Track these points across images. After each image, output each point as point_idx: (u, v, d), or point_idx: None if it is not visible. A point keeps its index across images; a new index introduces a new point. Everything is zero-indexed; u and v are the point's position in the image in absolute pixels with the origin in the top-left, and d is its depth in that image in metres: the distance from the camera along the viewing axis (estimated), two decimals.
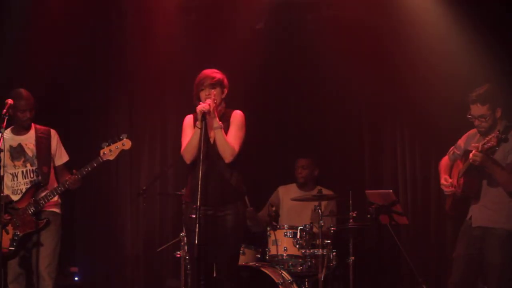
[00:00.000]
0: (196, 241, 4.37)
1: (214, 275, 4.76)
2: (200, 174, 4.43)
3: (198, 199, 4.38)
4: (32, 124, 5.47)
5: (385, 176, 6.98)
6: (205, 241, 4.49)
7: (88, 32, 7.07)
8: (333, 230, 6.08)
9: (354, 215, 5.96)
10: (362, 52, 6.80)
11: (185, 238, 5.84)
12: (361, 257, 6.12)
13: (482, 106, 4.87)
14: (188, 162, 4.71)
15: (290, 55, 7.22)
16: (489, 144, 4.66)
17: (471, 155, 4.76)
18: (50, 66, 6.79)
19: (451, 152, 5.28)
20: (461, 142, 5.21)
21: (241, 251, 5.80)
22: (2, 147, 4.89)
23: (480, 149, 4.70)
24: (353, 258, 5.95)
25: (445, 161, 5.31)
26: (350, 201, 5.96)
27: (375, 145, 7.06)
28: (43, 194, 5.32)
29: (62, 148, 5.58)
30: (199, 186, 4.39)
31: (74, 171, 5.32)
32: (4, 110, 4.94)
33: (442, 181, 5.15)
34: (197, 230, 4.37)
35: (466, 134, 5.19)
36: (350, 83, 6.95)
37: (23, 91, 5.38)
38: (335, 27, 6.88)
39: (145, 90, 7.28)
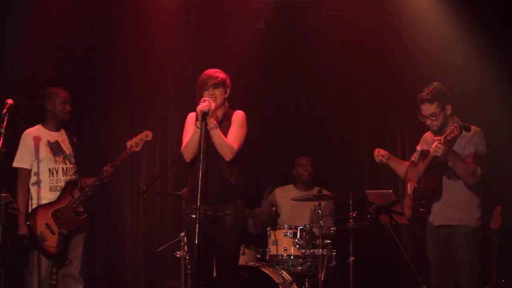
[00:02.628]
0: (196, 241, 4.38)
1: (214, 275, 4.76)
2: (200, 174, 4.44)
3: (198, 199, 4.39)
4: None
5: (385, 176, 6.98)
6: (205, 241, 4.50)
7: (88, 32, 7.06)
8: (333, 230, 6.08)
9: (354, 215, 5.96)
10: (362, 51, 6.81)
11: (185, 238, 5.84)
12: (361, 257, 6.12)
13: (431, 104, 4.98)
14: (187, 160, 4.73)
15: (290, 55, 7.22)
16: (452, 135, 4.67)
17: (432, 147, 4.78)
18: (50, 66, 6.78)
19: (412, 158, 5.38)
20: (418, 147, 5.33)
21: (241, 251, 5.80)
22: (2, 147, 4.89)
23: (442, 141, 4.72)
24: (353, 258, 5.95)
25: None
26: (350, 201, 5.97)
27: (375, 145, 7.04)
28: (77, 191, 5.47)
29: None
30: (199, 186, 4.40)
31: (109, 164, 5.47)
32: (4, 110, 4.95)
33: (375, 152, 5.32)
34: (197, 230, 4.37)
35: (423, 137, 5.29)
36: (350, 83, 6.96)
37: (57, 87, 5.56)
38: (335, 27, 6.89)
39: (145, 90, 7.28)
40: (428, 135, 5.23)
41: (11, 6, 6.61)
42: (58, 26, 6.73)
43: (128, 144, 5.49)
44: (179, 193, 5.98)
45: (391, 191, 5.78)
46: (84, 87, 7.25)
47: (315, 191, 6.36)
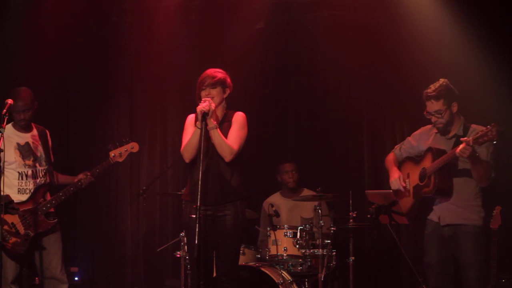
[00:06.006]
0: (196, 241, 4.38)
1: (214, 275, 4.76)
2: (200, 174, 4.44)
3: (198, 199, 4.39)
4: (32, 124, 5.44)
5: (385, 176, 6.95)
6: (205, 241, 4.50)
7: (88, 32, 7.07)
8: (333, 230, 6.08)
9: (354, 215, 5.96)
10: (362, 51, 6.81)
11: (185, 238, 5.84)
12: (361, 257, 6.12)
13: (437, 101, 4.92)
14: (187, 161, 4.72)
15: (290, 54, 7.23)
16: (485, 138, 4.56)
17: (460, 148, 4.66)
18: (50, 66, 6.80)
19: (398, 148, 5.35)
20: (412, 139, 5.26)
21: (241, 251, 5.81)
22: (2, 147, 4.87)
23: (471, 142, 4.62)
24: (353, 258, 5.94)
25: (391, 157, 5.37)
26: (350, 201, 5.97)
27: (375, 145, 7.06)
28: (49, 194, 5.34)
29: None
30: (199, 186, 4.40)
31: (87, 172, 5.36)
32: (4, 110, 4.92)
33: (396, 177, 5.20)
34: (197, 230, 4.37)
35: (419, 131, 5.21)
36: (350, 83, 6.97)
37: (22, 91, 5.29)
38: (335, 27, 6.89)
39: (145, 90, 7.29)
40: (426, 129, 5.15)
41: (12, 7, 6.62)
42: (59, 26, 6.74)
43: (111, 154, 5.37)
44: (179, 193, 5.98)
45: (391, 191, 5.80)
46: (84, 87, 7.26)
47: (301, 192, 6.45)
